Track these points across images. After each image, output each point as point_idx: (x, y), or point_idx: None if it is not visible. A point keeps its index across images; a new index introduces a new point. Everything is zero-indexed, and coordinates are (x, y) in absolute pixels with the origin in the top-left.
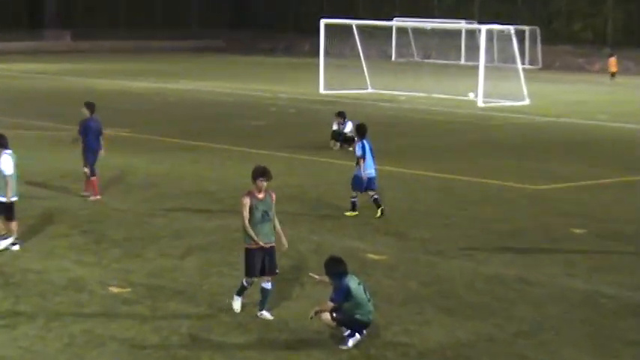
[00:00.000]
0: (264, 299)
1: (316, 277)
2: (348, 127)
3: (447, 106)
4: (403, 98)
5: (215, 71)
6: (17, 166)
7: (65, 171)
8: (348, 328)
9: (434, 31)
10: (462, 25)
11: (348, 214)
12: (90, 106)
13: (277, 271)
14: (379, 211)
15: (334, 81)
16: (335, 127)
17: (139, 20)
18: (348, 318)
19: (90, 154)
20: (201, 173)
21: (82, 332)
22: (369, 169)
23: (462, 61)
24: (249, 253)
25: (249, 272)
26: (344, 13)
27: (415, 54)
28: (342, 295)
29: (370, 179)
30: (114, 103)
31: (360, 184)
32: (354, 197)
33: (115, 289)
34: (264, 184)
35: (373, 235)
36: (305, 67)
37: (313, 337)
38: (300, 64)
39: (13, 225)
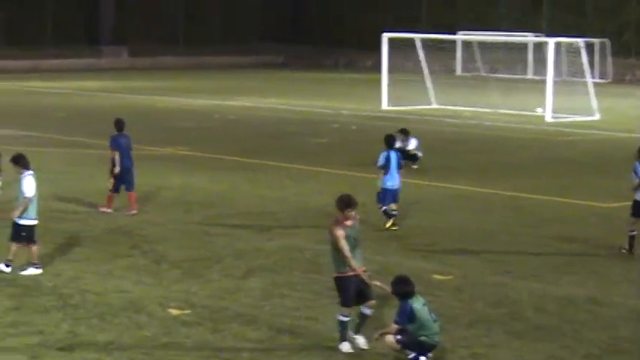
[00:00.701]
0: (362, 323)
1: (378, 283)
2: (412, 145)
3: (514, 122)
4: (468, 114)
5: (275, 87)
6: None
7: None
8: (412, 351)
9: (500, 45)
10: (529, 38)
11: (388, 226)
12: (119, 123)
13: (372, 299)
14: (390, 222)
15: (397, 97)
16: (398, 144)
17: (198, 36)
18: (413, 340)
19: (123, 170)
20: (261, 192)
21: (141, 355)
22: (388, 181)
23: (530, 75)
24: (343, 281)
25: (346, 301)
26: (407, 27)
27: (481, 68)
28: (406, 316)
29: (393, 191)
30: (172, 120)
31: (384, 196)
32: (381, 208)
33: (174, 311)
34: (352, 213)
35: (439, 255)
36: (367, 83)
37: None
38: (362, 80)
39: (34, 249)
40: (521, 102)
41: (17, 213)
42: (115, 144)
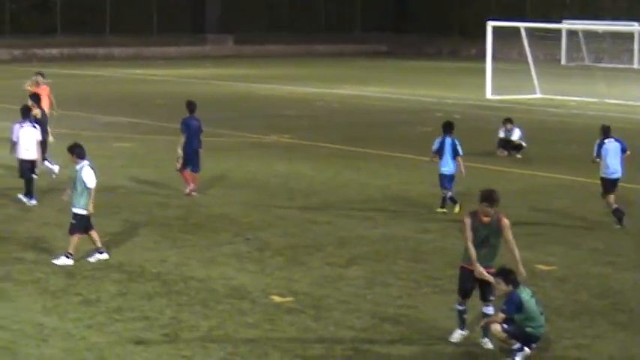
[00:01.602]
0: (477, 322)
1: (485, 273)
2: (516, 135)
3: (620, 112)
4: (573, 104)
5: (379, 76)
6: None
7: (230, 178)
8: (518, 341)
9: (605, 34)
10: (635, 27)
11: (453, 209)
12: (191, 106)
13: (492, 297)
14: (442, 210)
15: (501, 86)
16: (502, 134)
17: (301, 24)
18: (519, 330)
19: (189, 151)
20: (365, 180)
21: (244, 342)
22: (443, 166)
23: (635, 65)
24: (461, 272)
25: (459, 291)
26: (511, 16)
27: (586, 58)
28: (514, 306)
29: (447, 176)
30: (275, 108)
31: (443, 181)
32: (445, 193)
33: (277, 298)
34: (488, 209)
35: (542, 245)
36: (471, 72)
37: (478, 351)
38: (466, 69)
39: (93, 234)
40: (627, 92)
41: (91, 207)
42: (185, 126)
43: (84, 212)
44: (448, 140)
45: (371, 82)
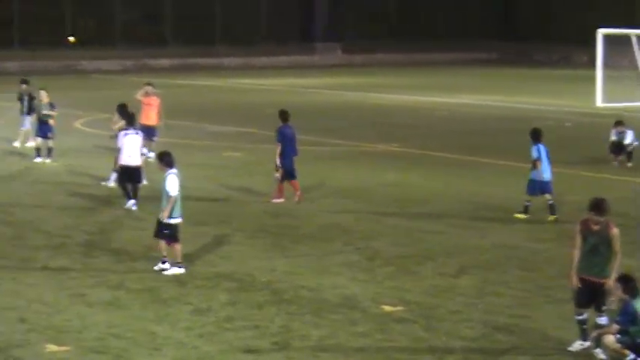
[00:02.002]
0: (588, 332)
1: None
2: (629, 137)
3: None
4: None
5: (489, 84)
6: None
7: (341, 187)
8: (632, 352)
9: None
10: None
11: (518, 216)
12: (284, 115)
13: (604, 308)
14: (553, 218)
15: (612, 93)
16: (614, 137)
17: (410, 32)
18: (633, 341)
19: (287, 159)
20: (476, 189)
21: (355, 351)
22: (544, 172)
23: None
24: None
25: (574, 301)
26: (622, 23)
27: None
28: (629, 318)
29: (546, 183)
30: (386, 117)
31: (534, 188)
32: (528, 201)
33: (388, 308)
34: (596, 218)
35: None
36: (580, 79)
37: None
38: (576, 76)
39: (177, 248)
40: None
41: (166, 214)
42: (281, 135)
43: (172, 221)
44: (542, 147)
45: (482, 90)
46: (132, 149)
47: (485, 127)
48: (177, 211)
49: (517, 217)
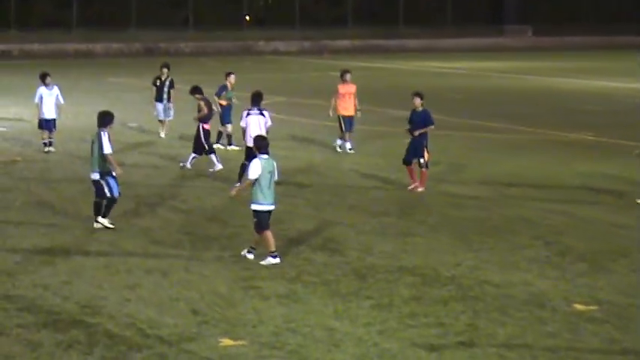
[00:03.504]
0: None
1: None
2: None
3: None
4: None
5: None
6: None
7: (529, 178)
8: None
9: None
10: None
11: None
12: (419, 95)
13: None
14: None
15: None
16: None
17: (607, 13)
18: None
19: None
20: None
21: (543, 351)
22: None
23: None
24: None
25: None
26: None
27: None
28: None
29: None
30: (577, 104)
31: None
32: None
33: (580, 307)
34: None
35: None
36: None
37: None
38: None
39: (267, 236)
40: None
41: (234, 192)
42: (411, 117)
43: (257, 207)
44: None
45: None
46: (255, 129)
47: None
48: (264, 197)
49: None
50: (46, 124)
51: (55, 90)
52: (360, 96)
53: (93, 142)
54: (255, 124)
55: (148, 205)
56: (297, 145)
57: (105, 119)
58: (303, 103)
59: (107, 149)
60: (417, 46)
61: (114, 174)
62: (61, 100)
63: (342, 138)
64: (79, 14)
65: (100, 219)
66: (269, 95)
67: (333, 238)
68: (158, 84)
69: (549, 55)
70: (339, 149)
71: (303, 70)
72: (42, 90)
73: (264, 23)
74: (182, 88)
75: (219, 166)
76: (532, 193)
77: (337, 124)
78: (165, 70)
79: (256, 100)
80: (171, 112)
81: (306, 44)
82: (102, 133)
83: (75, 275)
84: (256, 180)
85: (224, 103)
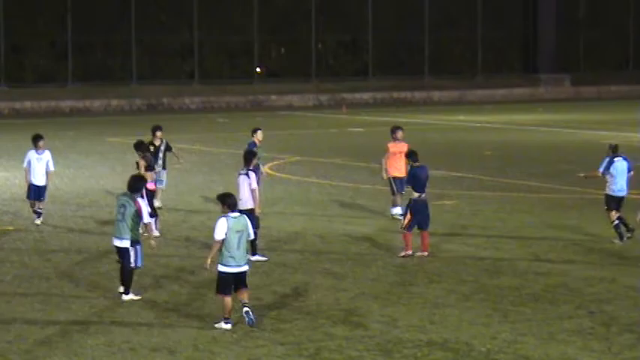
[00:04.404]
0: None
1: None
2: None
3: None
4: None
5: None
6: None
7: (570, 241)
8: None
9: None
10: None
11: None
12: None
13: None
14: None
15: None
16: None
17: None
18: None
19: (417, 206)
20: None
21: None
22: None
23: None
24: None
25: None
26: None
27: None
28: None
29: None
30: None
31: None
32: None
33: None
34: None
35: None
36: None
37: None
38: None
39: (227, 301)
40: None
41: (208, 260)
42: (410, 176)
43: (225, 269)
44: None
45: None
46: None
47: None
48: (232, 258)
49: None
50: (35, 192)
51: (47, 155)
52: (380, 153)
53: (122, 206)
54: (242, 186)
55: (152, 277)
56: (314, 208)
57: (139, 185)
58: (320, 162)
59: (147, 218)
60: (444, 98)
61: (152, 244)
62: (51, 168)
63: (395, 203)
64: (76, 67)
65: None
66: (283, 154)
67: (354, 310)
68: (152, 149)
69: (589, 106)
70: (399, 217)
71: (320, 127)
72: (31, 154)
73: (277, 75)
74: (187, 148)
75: (155, 233)
76: (572, 257)
77: (389, 187)
78: (158, 134)
79: (246, 159)
80: (164, 181)
81: (323, 98)
82: (139, 200)
83: (73, 355)
84: (223, 240)
85: None
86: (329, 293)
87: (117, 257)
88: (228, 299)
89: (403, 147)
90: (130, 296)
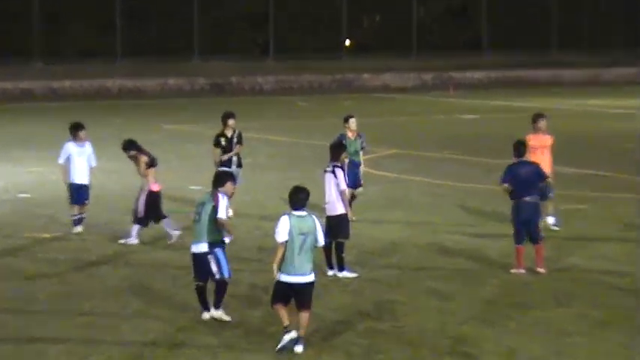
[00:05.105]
0: None
1: None
2: None
3: None
4: None
5: None
6: None
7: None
8: None
9: None
10: None
11: None
12: (519, 147)
13: None
14: None
15: None
16: None
17: None
18: None
19: (521, 213)
20: None
21: None
22: None
23: None
24: None
25: None
26: None
27: None
28: None
29: None
30: None
31: None
32: None
33: None
34: None
35: None
36: None
37: None
38: None
39: (279, 309)
40: None
41: (275, 266)
42: (509, 175)
43: (284, 279)
44: None
45: None
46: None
47: None
48: (292, 265)
49: None
50: (77, 194)
51: (87, 148)
52: (503, 144)
53: (201, 205)
54: (329, 185)
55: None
56: (415, 213)
57: (222, 178)
58: (423, 157)
59: (222, 213)
60: (576, 78)
61: (226, 241)
62: (93, 163)
63: (545, 211)
64: (125, 41)
65: (212, 311)
66: (376, 146)
67: (464, 339)
68: (224, 143)
69: None
70: (554, 227)
71: (423, 113)
72: (70, 148)
73: (370, 49)
74: (259, 138)
75: (134, 241)
76: None
77: None
78: (231, 123)
79: (332, 152)
80: (240, 180)
81: (427, 77)
82: (220, 195)
83: None
84: (286, 242)
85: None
86: (433, 317)
87: (193, 273)
88: (282, 308)
89: (547, 140)
90: (218, 313)
